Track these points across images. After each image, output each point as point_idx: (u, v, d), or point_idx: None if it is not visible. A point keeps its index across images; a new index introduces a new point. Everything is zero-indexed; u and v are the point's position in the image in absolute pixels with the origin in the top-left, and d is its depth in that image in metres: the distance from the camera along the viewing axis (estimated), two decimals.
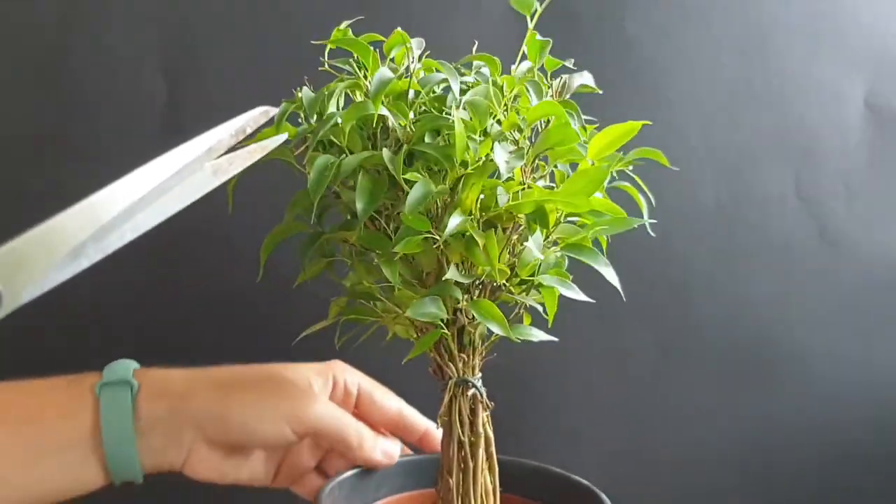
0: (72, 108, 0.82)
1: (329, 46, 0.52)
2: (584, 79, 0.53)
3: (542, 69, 0.53)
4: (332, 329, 0.58)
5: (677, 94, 0.85)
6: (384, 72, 0.49)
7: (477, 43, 0.55)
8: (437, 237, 0.47)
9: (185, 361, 0.82)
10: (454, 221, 0.46)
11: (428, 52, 0.53)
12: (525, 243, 0.49)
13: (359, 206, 0.47)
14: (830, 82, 0.86)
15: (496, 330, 0.49)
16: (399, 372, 0.84)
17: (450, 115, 0.48)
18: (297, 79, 0.53)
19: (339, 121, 0.49)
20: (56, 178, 0.82)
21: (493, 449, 0.56)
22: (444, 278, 0.49)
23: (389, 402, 0.62)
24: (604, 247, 0.55)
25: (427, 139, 0.49)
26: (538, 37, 0.52)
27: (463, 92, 0.50)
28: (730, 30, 0.85)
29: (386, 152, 0.48)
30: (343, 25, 0.52)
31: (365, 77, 0.51)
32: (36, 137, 0.82)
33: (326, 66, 0.53)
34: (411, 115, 0.50)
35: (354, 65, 0.52)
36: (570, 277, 0.52)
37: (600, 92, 0.54)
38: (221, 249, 0.83)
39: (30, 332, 0.84)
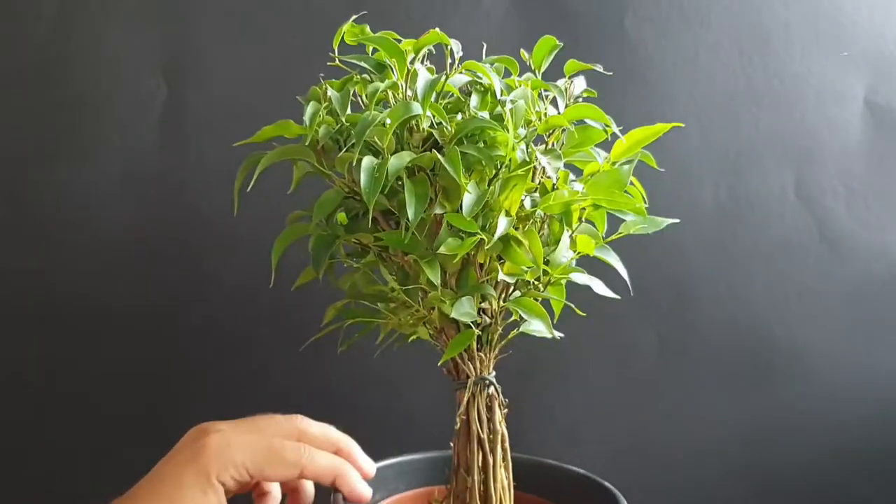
0: (72, 108, 0.82)
1: (338, 43, 0.52)
2: (581, 84, 0.53)
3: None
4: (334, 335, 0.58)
5: (677, 94, 0.85)
6: (427, 74, 0.49)
7: (485, 45, 0.55)
8: (487, 238, 0.47)
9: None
10: (503, 224, 0.47)
11: (432, 54, 0.53)
12: (560, 243, 0.50)
13: (410, 211, 0.46)
14: (830, 82, 0.86)
15: (539, 327, 0.50)
16: (399, 373, 0.84)
17: (485, 116, 0.49)
18: (298, 78, 0.53)
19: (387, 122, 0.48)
20: (56, 178, 0.82)
21: (508, 446, 0.56)
22: (481, 278, 0.49)
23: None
24: (601, 230, 0.55)
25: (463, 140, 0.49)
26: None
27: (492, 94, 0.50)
28: (730, 30, 0.85)
29: (438, 155, 0.47)
30: (351, 20, 0.51)
31: (378, 77, 0.51)
32: (36, 137, 0.82)
33: (337, 62, 0.52)
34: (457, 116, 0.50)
35: (372, 63, 0.52)
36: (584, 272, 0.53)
37: (594, 95, 0.54)
38: (225, 251, 0.84)
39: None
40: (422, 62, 0.51)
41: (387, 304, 0.55)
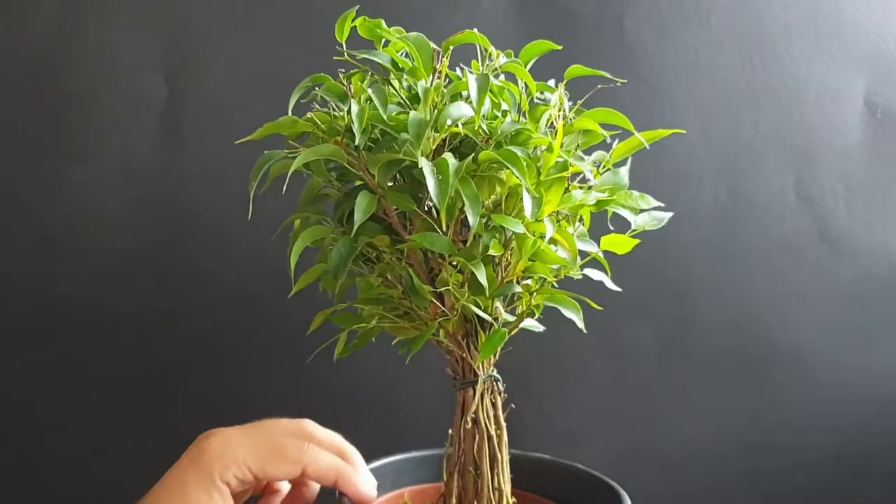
0: (72, 109, 0.82)
1: (346, 37, 0.51)
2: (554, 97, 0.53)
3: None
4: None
5: (677, 94, 0.85)
6: (474, 77, 0.48)
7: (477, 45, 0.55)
8: (539, 240, 0.48)
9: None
10: (550, 226, 0.47)
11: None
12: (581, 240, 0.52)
13: (471, 217, 0.46)
14: (830, 82, 0.86)
15: (576, 321, 0.51)
16: (399, 373, 0.84)
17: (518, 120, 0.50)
18: (298, 78, 0.52)
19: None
20: (56, 178, 0.82)
21: (506, 440, 0.56)
22: (508, 279, 0.50)
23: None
24: (587, 225, 0.56)
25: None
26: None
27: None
28: (730, 30, 0.85)
29: (498, 156, 0.47)
30: (349, 12, 0.50)
31: (396, 77, 0.51)
32: (36, 137, 0.82)
33: (346, 56, 0.51)
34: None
35: (385, 59, 0.51)
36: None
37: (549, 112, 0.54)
38: (225, 251, 0.84)
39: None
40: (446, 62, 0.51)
41: (386, 307, 0.54)
